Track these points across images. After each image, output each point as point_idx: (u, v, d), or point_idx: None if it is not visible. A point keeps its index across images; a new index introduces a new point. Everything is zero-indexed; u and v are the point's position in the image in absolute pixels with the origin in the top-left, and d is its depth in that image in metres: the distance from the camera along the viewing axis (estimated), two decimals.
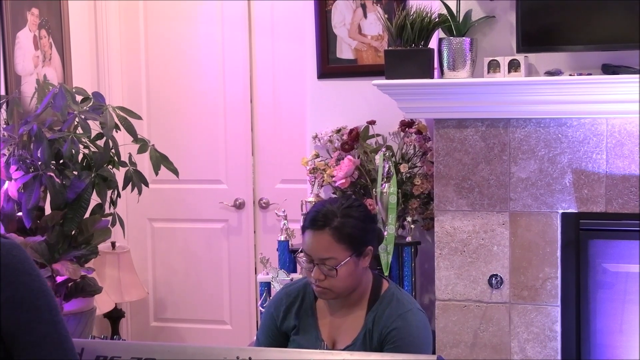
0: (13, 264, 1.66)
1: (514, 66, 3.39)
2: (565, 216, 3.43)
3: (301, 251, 2.66)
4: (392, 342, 2.58)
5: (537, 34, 3.38)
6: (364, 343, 2.63)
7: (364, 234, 2.64)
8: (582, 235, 3.42)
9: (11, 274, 1.65)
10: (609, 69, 3.32)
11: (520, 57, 3.39)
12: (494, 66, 3.41)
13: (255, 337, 2.85)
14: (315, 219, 2.61)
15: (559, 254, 3.44)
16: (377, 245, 2.79)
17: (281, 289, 2.90)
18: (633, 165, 3.33)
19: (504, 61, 3.40)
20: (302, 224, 2.69)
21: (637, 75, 3.19)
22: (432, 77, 3.47)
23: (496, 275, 3.50)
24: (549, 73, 3.38)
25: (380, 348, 2.60)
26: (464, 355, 3.56)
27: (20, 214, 3.70)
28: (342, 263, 2.57)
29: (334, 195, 3.82)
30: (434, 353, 3.01)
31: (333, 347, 2.67)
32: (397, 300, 2.67)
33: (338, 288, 2.61)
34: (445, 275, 3.57)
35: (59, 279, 3.71)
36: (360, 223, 2.63)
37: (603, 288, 3.45)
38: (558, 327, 3.46)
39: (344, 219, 2.59)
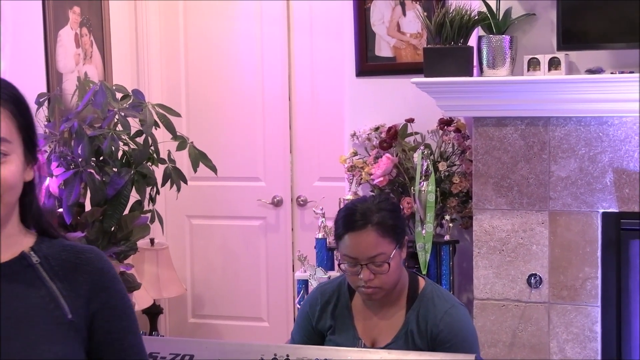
0: (106, 269, 1.59)
1: (554, 64, 3.37)
2: (605, 216, 3.40)
3: (340, 258, 2.65)
4: (447, 341, 2.58)
5: (578, 32, 3.37)
6: (405, 342, 2.63)
7: (402, 223, 2.69)
8: (623, 235, 3.40)
9: (106, 280, 1.58)
10: None
11: (560, 55, 3.37)
12: (534, 64, 3.39)
13: (290, 335, 2.85)
14: (354, 220, 2.59)
15: (599, 253, 3.42)
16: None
17: (315, 288, 2.90)
18: None
19: (544, 59, 3.38)
20: (335, 231, 2.67)
21: None
22: (471, 75, 3.46)
23: (535, 274, 3.48)
24: (590, 71, 3.36)
25: (430, 347, 2.60)
26: (502, 354, 3.54)
27: (60, 210, 3.73)
28: (392, 256, 2.57)
29: (371, 193, 3.82)
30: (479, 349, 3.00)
31: (372, 346, 2.66)
32: (438, 297, 2.67)
33: (387, 284, 2.61)
34: (483, 274, 3.55)
35: None
36: (395, 214, 2.65)
37: None
38: (598, 328, 3.44)
39: (381, 213, 2.60)
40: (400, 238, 2.62)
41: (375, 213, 2.59)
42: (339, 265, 2.67)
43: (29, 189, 1.58)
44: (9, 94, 1.54)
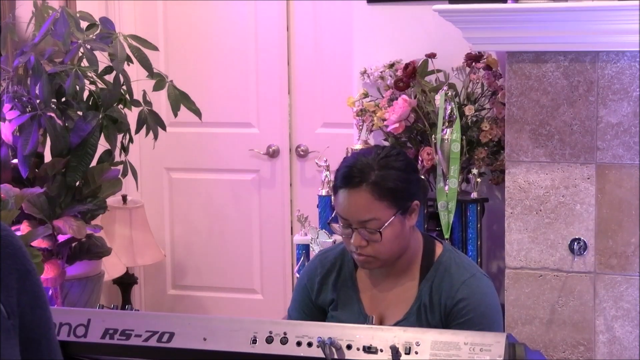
0: (19, 248, 1.63)
1: None
2: None
3: (334, 215, 2.67)
4: (462, 316, 2.59)
5: None
6: (418, 318, 2.65)
7: (408, 186, 2.64)
8: None
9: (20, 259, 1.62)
10: None
11: None
12: None
13: (287, 312, 2.87)
14: (349, 175, 2.60)
15: None
16: (423, 199, 2.77)
17: (315, 256, 2.92)
18: None
19: None
20: (333, 183, 2.69)
21: None
22: (505, 1, 3.45)
23: (579, 239, 3.48)
24: None
25: (444, 323, 2.62)
26: (538, 333, 3.57)
27: (15, 161, 3.73)
28: (387, 224, 2.57)
29: (385, 143, 3.82)
30: (503, 329, 3.02)
31: (380, 323, 2.67)
32: (456, 265, 2.68)
33: (384, 254, 2.62)
34: (517, 239, 3.56)
35: (61, 238, 3.75)
36: (402, 174, 2.62)
37: None
38: None
39: (382, 171, 2.59)
40: (403, 203, 2.61)
41: (375, 170, 2.58)
42: (328, 222, 2.67)
43: None
44: None
